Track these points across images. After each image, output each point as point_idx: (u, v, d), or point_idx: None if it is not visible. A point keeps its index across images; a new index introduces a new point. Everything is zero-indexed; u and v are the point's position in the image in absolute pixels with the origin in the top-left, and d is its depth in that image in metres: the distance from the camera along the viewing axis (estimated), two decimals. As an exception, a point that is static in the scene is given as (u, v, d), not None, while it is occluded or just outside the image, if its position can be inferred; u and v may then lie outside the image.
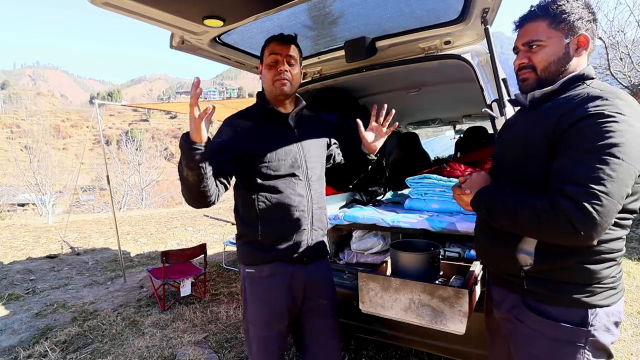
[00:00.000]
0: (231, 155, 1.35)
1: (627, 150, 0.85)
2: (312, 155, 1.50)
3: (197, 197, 1.24)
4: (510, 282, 1.11)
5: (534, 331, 1.04)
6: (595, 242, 0.89)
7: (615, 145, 0.85)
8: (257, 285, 1.43)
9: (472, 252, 1.99)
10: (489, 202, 1.07)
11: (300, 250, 1.45)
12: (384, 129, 1.60)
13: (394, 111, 1.50)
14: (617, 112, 0.88)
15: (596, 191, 0.84)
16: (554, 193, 0.90)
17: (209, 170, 1.18)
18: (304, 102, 1.52)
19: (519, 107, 1.23)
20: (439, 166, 2.66)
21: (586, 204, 0.84)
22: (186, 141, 1.13)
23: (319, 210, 1.51)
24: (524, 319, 1.06)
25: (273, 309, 1.42)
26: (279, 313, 1.43)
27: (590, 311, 0.97)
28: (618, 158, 0.85)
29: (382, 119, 1.61)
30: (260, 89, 1.54)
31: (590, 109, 0.90)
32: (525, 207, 0.95)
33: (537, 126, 1.02)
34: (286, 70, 1.40)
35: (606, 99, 0.91)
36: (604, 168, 0.85)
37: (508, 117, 1.63)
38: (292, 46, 1.44)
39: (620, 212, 0.94)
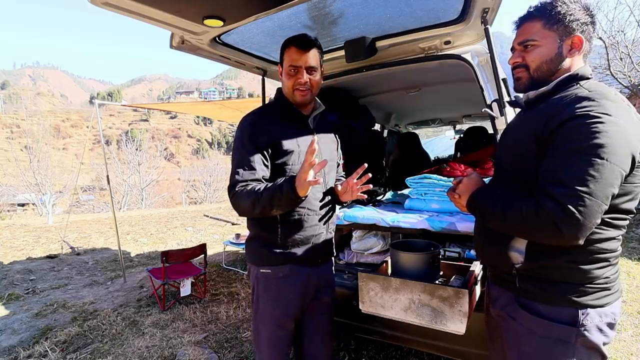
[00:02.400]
0: (268, 162, 1.39)
1: (612, 151, 0.85)
2: (328, 159, 1.50)
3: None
4: (505, 280, 1.12)
5: (525, 329, 1.05)
6: (581, 242, 0.90)
7: (600, 145, 0.86)
8: (272, 285, 1.43)
9: (472, 252, 1.99)
10: (481, 205, 1.09)
11: (317, 252, 1.48)
12: (357, 193, 1.48)
13: (369, 175, 1.42)
14: (603, 113, 0.88)
15: (579, 192, 0.85)
16: (539, 194, 0.92)
17: None
18: (323, 106, 1.51)
19: (519, 109, 1.24)
20: (439, 166, 2.66)
21: (569, 205, 0.85)
22: (296, 197, 1.23)
23: (333, 213, 1.55)
24: (516, 316, 1.08)
25: (287, 309, 1.44)
26: (291, 314, 1.45)
27: (581, 311, 0.97)
28: (602, 159, 0.85)
29: (357, 181, 1.46)
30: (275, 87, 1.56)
31: (577, 110, 0.91)
32: (512, 209, 0.97)
33: (529, 127, 1.04)
34: (306, 81, 1.37)
35: (593, 100, 0.91)
36: (588, 169, 0.85)
37: (508, 117, 1.64)
38: (313, 51, 1.38)
39: (613, 212, 0.94)
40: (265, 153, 1.36)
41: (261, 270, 1.44)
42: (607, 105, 0.90)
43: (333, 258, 1.66)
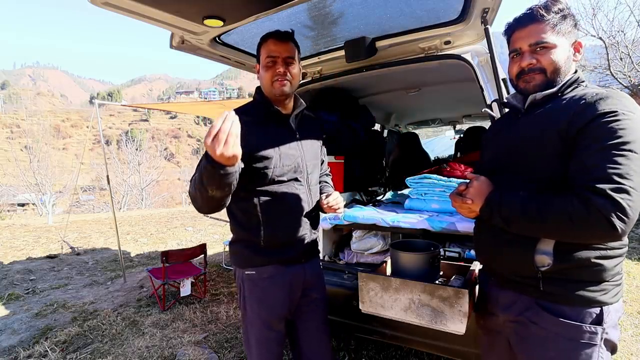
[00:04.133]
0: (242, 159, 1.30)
1: None
2: (311, 159, 1.49)
3: (215, 207, 1.19)
4: (523, 284, 1.09)
5: (549, 332, 1.03)
6: (624, 238, 0.93)
7: (633, 141, 0.89)
8: (257, 287, 1.42)
9: (472, 252, 1.99)
10: (503, 210, 1.03)
11: (300, 252, 1.47)
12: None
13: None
14: (628, 110, 0.92)
15: (627, 186, 0.86)
16: (584, 192, 0.90)
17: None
18: (304, 104, 1.48)
19: (507, 110, 1.25)
20: (439, 166, 2.66)
21: (620, 200, 0.86)
22: (217, 166, 0.99)
23: (316, 213, 1.54)
24: (538, 320, 1.05)
25: (274, 310, 1.42)
26: (279, 314, 1.44)
27: (604, 309, 0.99)
28: (638, 153, 0.88)
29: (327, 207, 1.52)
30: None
31: (604, 107, 0.94)
32: (553, 211, 0.94)
33: (547, 126, 1.03)
34: (285, 72, 1.35)
35: (615, 98, 0.95)
36: (629, 164, 0.88)
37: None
38: (290, 44, 1.37)
39: None
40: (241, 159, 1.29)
41: (246, 272, 1.42)
42: (627, 103, 0.94)
43: (320, 256, 1.65)
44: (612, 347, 1.03)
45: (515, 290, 1.12)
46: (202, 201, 1.15)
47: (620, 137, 0.89)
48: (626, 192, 0.86)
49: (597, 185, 0.89)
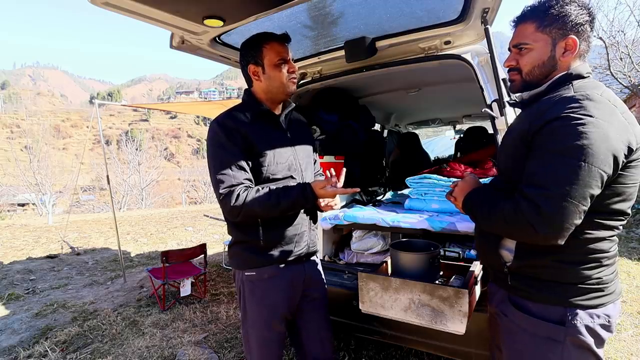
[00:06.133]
0: (249, 162, 1.36)
1: (591, 152, 0.85)
2: (304, 157, 1.51)
3: None
4: (499, 278, 1.15)
5: (517, 326, 1.07)
6: (561, 242, 0.90)
7: (579, 147, 0.85)
8: (258, 288, 1.42)
9: (472, 252, 1.99)
10: (472, 207, 1.12)
11: (301, 251, 1.47)
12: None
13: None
14: (584, 114, 0.87)
15: (555, 193, 0.86)
16: (517, 195, 0.94)
17: None
18: (293, 104, 1.51)
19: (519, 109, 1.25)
20: (439, 166, 2.66)
21: (544, 206, 0.86)
22: (315, 197, 1.32)
23: (314, 210, 1.54)
24: (508, 313, 1.10)
25: (275, 310, 1.42)
26: (281, 314, 1.44)
27: (569, 310, 0.98)
28: (580, 160, 0.85)
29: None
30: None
31: (559, 112, 0.91)
32: (495, 210, 0.99)
33: (518, 128, 1.05)
34: (296, 70, 1.43)
35: (576, 101, 0.91)
36: (566, 170, 0.86)
37: (508, 117, 1.65)
38: (288, 46, 1.43)
39: (604, 213, 0.95)
40: (245, 153, 1.34)
41: (246, 274, 1.42)
42: (589, 106, 0.89)
43: (319, 254, 1.66)
44: (589, 351, 0.98)
45: (496, 283, 1.19)
46: (270, 216, 1.33)
47: (565, 142, 0.87)
48: (553, 198, 0.86)
49: (526, 190, 0.91)
